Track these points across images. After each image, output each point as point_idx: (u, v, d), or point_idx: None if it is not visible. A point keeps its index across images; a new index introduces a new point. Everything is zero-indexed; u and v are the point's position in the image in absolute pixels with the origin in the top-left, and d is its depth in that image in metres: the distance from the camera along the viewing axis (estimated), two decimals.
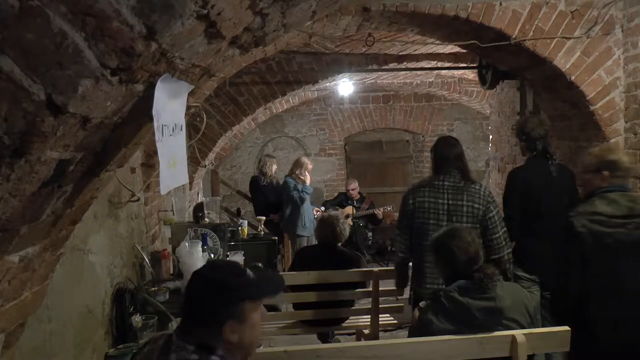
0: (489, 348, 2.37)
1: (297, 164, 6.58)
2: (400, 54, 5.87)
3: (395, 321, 4.42)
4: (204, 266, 1.59)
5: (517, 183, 3.63)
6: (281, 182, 6.87)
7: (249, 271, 1.54)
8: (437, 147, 3.46)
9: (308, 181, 6.54)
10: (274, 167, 7.21)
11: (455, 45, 4.68)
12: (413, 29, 4.24)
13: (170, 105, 1.32)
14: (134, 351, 2.31)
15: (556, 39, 3.64)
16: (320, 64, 6.02)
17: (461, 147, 3.48)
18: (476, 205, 3.22)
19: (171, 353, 1.45)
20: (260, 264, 4.10)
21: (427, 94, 9.20)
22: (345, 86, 7.59)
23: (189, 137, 4.62)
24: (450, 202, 3.25)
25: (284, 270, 6.13)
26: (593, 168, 2.66)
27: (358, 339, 4.11)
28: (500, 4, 3.59)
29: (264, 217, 6.43)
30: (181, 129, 1.51)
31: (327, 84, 6.96)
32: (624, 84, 3.68)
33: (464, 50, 5.06)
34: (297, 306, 4.19)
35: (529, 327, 2.44)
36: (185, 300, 1.54)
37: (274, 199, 6.68)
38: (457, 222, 3.14)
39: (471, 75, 6.75)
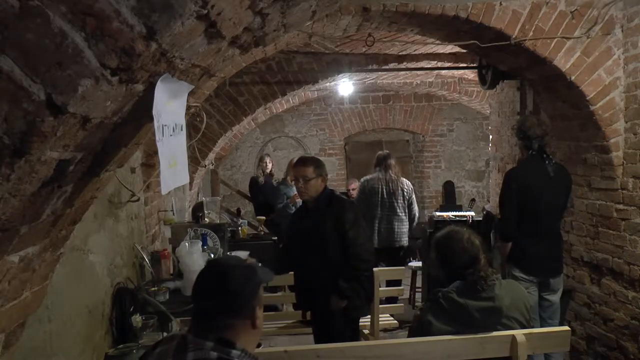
0: (489, 348, 2.37)
1: (290, 167, 6.51)
2: (400, 54, 5.87)
3: (395, 321, 4.42)
4: (214, 264, 1.64)
5: (514, 184, 3.64)
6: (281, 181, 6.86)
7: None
8: (380, 158, 5.77)
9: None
10: (270, 165, 7.18)
11: (455, 45, 4.68)
12: (413, 29, 4.24)
13: (170, 105, 1.32)
14: (133, 351, 2.32)
15: (556, 39, 3.64)
16: (320, 64, 6.02)
17: (393, 157, 5.81)
18: (407, 190, 5.68)
19: (188, 352, 1.44)
20: (260, 264, 4.09)
21: (427, 94, 9.20)
22: (345, 86, 7.59)
23: (189, 137, 4.61)
24: (391, 187, 5.61)
25: None
26: (317, 174, 3.38)
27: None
28: (500, 4, 3.59)
29: (264, 217, 6.42)
30: (181, 129, 1.51)
31: (327, 84, 6.96)
32: (624, 84, 3.68)
33: (464, 50, 5.06)
34: (297, 306, 4.18)
35: (528, 324, 2.45)
36: (202, 298, 1.54)
37: (272, 199, 6.67)
38: (393, 201, 5.58)
39: (471, 75, 6.75)
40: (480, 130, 9.61)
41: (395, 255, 5.60)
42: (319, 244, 3.29)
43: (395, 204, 5.59)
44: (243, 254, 4.07)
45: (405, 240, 5.74)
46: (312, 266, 3.32)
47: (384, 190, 5.57)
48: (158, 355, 1.53)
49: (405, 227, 5.71)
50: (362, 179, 5.92)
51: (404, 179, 5.77)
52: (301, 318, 3.91)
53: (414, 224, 5.87)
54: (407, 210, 5.69)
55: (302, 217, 3.52)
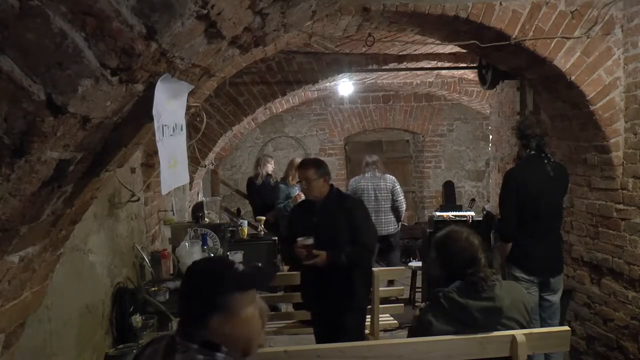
0: (489, 348, 2.37)
1: (291, 167, 6.48)
2: (400, 54, 5.87)
3: (395, 321, 4.42)
4: (200, 265, 1.58)
5: (513, 183, 3.64)
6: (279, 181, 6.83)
7: (237, 264, 1.53)
8: (369, 163, 6.34)
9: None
10: (268, 165, 7.13)
11: (455, 45, 4.68)
12: (413, 29, 4.24)
13: (170, 105, 1.32)
14: (133, 351, 2.32)
15: (556, 39, 3.64)
16: (320, 64, 6.02)
17: (380, 162, 6.43)
18: (389, 184, 6.21)
19: (176, 354, 1.43)
20: (260, 264, 4.09)
21: (427, 94, 9.20)
22: (345, 86, 7.59)
23: (189, 137, 4.61)
24: (375, 184, 6.18)
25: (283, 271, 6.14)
26: (318, 175, 3.47)
27: None
28: (500, 4, 3.59)
29: (264, 217, 6.41)
30: (181, 129, 1.51)
31: (327, 84, 6.96)
32: (624, 84, 3.68)
33: (464, 50, 5.06)
34: (297, 306, 4.19)
35: (528, 325, 2.45)
36: (190, 300, 1.51)
37: (270, 199, 6.64)
38: (379, 196, 6.16)
39: (471, 75, 6.75)
40: (480, 130, 9.60)
41: (382, 245, 5.99)
42: (327, 241, 3.36)
43: (380, 197, 6.21)
44: (238, 257, 4.08)
45: (391, 229, 6.26)
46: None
47: (369, 187, 6.24)
48: (148, 356, 1.52)
49: (389, 217, 6.25)
50: (351, 181, 6.65)
51: (387, 175, 6.36)
52: (308, 317, 3.93)
53: (402, 214, 6.42)
54: (390, 202, 6.27)
55: (307, 214, 3.56)
